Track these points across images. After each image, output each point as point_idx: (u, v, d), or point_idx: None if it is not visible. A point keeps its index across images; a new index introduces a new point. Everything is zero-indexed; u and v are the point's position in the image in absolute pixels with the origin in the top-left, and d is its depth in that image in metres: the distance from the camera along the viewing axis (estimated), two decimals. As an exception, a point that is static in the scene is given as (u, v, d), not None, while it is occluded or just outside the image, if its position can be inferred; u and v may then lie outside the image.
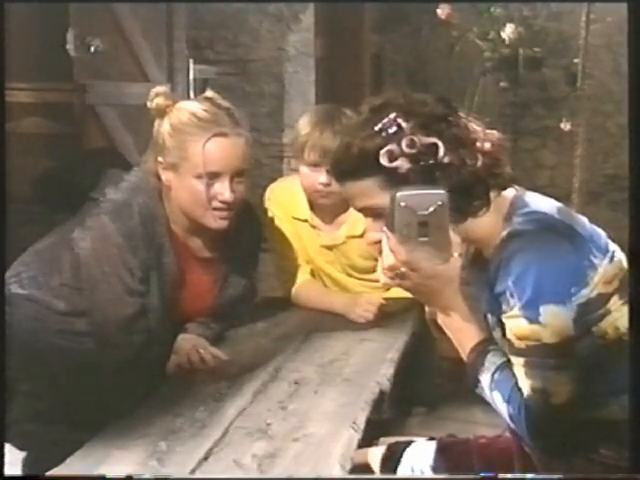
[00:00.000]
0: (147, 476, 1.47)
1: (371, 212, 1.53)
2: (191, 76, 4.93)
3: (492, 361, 1.48)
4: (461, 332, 1.51)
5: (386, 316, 2.43)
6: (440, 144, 1.45)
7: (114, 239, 1.91)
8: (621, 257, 1.53)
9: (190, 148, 1.93)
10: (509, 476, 1.53)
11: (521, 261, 1.43)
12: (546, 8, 5.55)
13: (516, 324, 1.44)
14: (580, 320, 1.44)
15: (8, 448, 1.81)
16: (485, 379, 1.48)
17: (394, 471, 1.73)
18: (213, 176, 1.94)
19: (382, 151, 1.45)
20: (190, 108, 1.96)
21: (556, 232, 1.47)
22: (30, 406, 1.97)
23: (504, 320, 1.47)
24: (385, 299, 2.49)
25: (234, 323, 2.29)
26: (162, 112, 1.96)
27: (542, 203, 1.54)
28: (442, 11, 5.20)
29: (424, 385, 2.74)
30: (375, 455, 1.80)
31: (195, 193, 1.95)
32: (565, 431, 1.45)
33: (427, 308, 2.74)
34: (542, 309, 1.41)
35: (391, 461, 1.76)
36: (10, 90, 3.51)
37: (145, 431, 1.65)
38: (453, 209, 1.46)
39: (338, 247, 2.57)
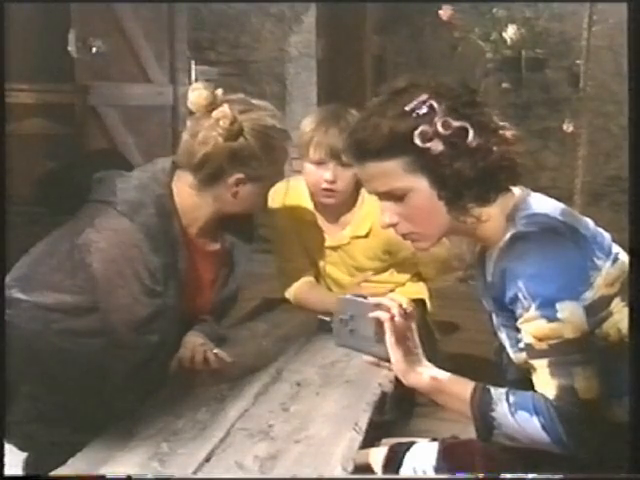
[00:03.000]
0: (150, 476, 1.47)
1: (390, 195, 1.52)
2: (193, 77, 4.93)
3: (498, 393, 1.48)
4: (452, 392, 1.52)
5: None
6: (469, 128, 1.45)
7: (134, 240, 1.89)
8: (624, 259, 1.53)
9: (281, 157, 2.05)
10: (510, 476, 1.53)
11: (529, 262, 1.43)
12: (548, 9, 5.56)
13: (535, 326, 1.43)
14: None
15: (10, 449, 1.82)
16: (502, 409, 1.46)
17: (396, 472, 1.72)
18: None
19: (416, 131, 1.44)
20: (269, 121, 2.01)
21: (560, 233, 1.46)
22: (32, 407, 1.96)
23: (520, 326, 1.47)
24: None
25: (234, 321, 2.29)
26: (240, 132, 1.96)
27: (545, 205, 1.53)
28: (444, 12, 5.21)
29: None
30: (377, 456, 1.80)
31: (265, 194, 2.15)
32: (597, 428, 1.44)
33: (429, 308, 2.75)
34: (558, 306, 1.41)
35: (393, 462, 1.75)
36: (12, 91, 3.52)
37: (147, 432, 1.65)
38: (477, 196, 1.47)
39: (343, 247, 2.56)
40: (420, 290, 2.70)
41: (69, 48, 4.03)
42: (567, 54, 5.46)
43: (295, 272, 2.58)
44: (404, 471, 1.72)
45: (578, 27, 4.80)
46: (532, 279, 1.42)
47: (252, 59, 5.52)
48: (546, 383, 1.44)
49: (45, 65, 3.97)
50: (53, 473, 1.49)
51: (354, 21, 5.63)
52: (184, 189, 2.00)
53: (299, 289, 2.55)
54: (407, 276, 2.66)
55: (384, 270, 2.60)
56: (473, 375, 1.54)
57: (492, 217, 1.51)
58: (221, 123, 1.92)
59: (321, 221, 2.56)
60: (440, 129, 1.44)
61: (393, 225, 1.54)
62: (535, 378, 1.47)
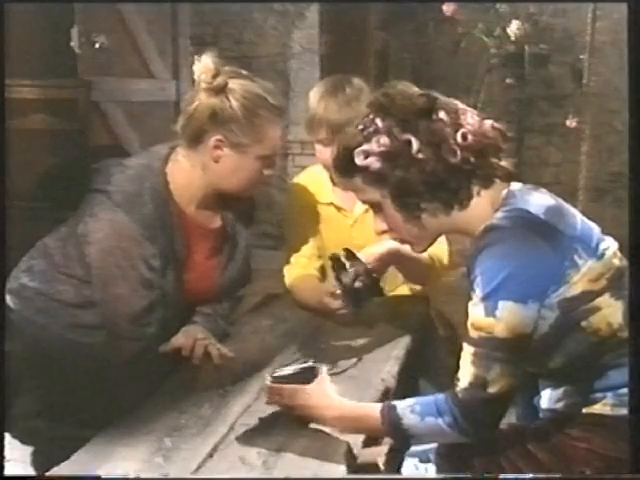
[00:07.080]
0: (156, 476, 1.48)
1: (371, 205, 1.63)
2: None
3: (404, 407, 1.54)
4: (361, 416, 1.59)
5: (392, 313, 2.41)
6: (414, 140, 1.49)
7: (130, 231, 1.89)
8: (612, 255, 1.55)
9: (268, 132, 1.98)
10: (509, 476, 1.54)
11: (490, 255, 1.46)
12: (552, 4, 5.53)
13: (474, 313, 1.48)
14: (564, 316, 1.48)
15: (13, 446, 1.82)
16: (410, 420, 1.52)
17: (398, 469, 1.73)
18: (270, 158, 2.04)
19: (356, 150, 1.53)
20: (260, 92, 1.99)
21: (534, 231, 1.48)
22: (36, 402, 1.97)
23: (469, 308, 1.51)
24: (391, 297, 2.48)
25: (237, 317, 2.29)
26: (221, 89, 1.95)
27: (532, 201, 1.54)
28: (447, 7, 5.19)
29: (429, 382, 2.73)
30: (379, 452, 1.80)
31: (253, 172, 2.01)
32: (497, 419, 1.51)
33: (432, 304, 2.74)
34: (501, 304, 1.44)
35: (395, 459, 1.76)
36: (15, 87, 3.51)
37: (150, 428, 1.65)
38: (435, 201, 1.53)
39: (363, 219, 2.48)
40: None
41: (72, 44, 4.02)
42: (571, 49, 5.43)
43: (301, 262, 2.55)
44: (406, 467, 1.72)
45: (582, 23, 4.79)
46: (487, 271, 1.46)
47: (255, 55, 5.51)
48: (465, 368, 1.49)
49: (48, 61, 3.96)
50: (57, 469, 1.50)
51: (357, 17, 5.62)
52: (179, 165, 2.01)
53: (297, 278, 2.52)
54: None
55: None
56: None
57: (480, 211, 1.54)
58: (202, 77, 1.94)
59: (340, 201, 2.51)
60: (374, 147, 1.51)
61: (385, 231, 1.64)
62: (461, 360, 1.51)
